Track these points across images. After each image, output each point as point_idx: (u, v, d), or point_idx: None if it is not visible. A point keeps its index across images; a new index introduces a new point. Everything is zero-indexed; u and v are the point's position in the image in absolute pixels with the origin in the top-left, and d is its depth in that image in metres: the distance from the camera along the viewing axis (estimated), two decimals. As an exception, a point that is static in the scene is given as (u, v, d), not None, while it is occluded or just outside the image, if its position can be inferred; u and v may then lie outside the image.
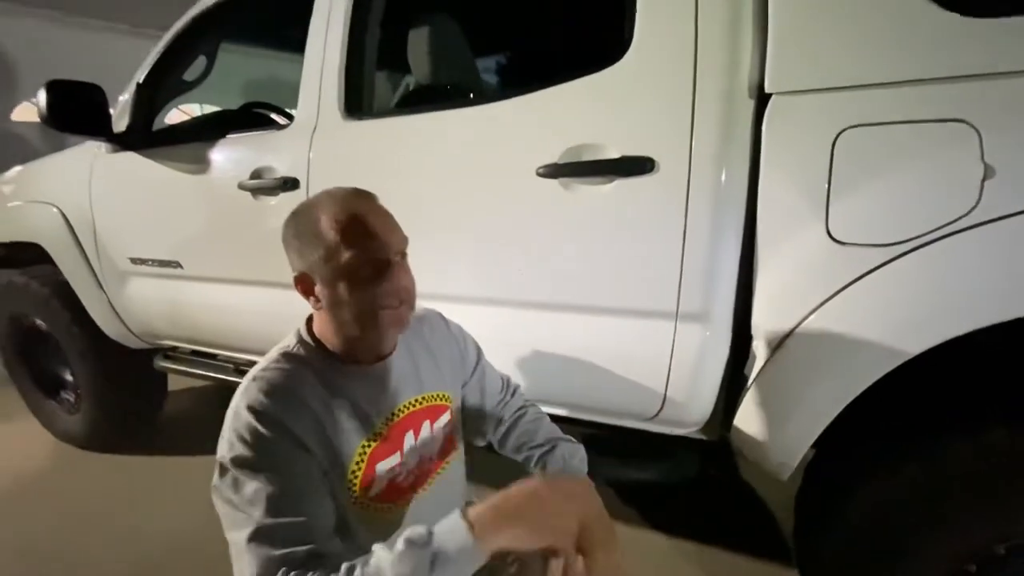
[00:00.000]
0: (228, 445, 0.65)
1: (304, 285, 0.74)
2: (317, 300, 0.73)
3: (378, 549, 0.55)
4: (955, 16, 0.73)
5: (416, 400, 0.83)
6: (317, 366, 0.74)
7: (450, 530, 0.54)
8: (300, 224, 0.73)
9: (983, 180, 0.72)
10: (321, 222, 0.70)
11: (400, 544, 0.53)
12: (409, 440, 0.81)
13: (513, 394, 1.00)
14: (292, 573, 0.57)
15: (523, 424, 0.96)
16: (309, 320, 0.79)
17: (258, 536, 0.60)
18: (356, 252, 0.69)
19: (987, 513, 0.78)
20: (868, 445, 0.91)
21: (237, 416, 0.67)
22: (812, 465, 1.02)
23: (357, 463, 0.74)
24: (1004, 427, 0.77)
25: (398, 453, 0.79)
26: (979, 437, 0.78)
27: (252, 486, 0.62)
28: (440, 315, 0.95)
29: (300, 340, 0.77)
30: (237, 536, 0.61)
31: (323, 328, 0.76)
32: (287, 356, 0.74)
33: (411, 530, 0.54)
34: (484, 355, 0.98)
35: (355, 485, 0.74)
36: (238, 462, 0.64)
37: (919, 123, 0.76)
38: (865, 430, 0.91)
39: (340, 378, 0.75)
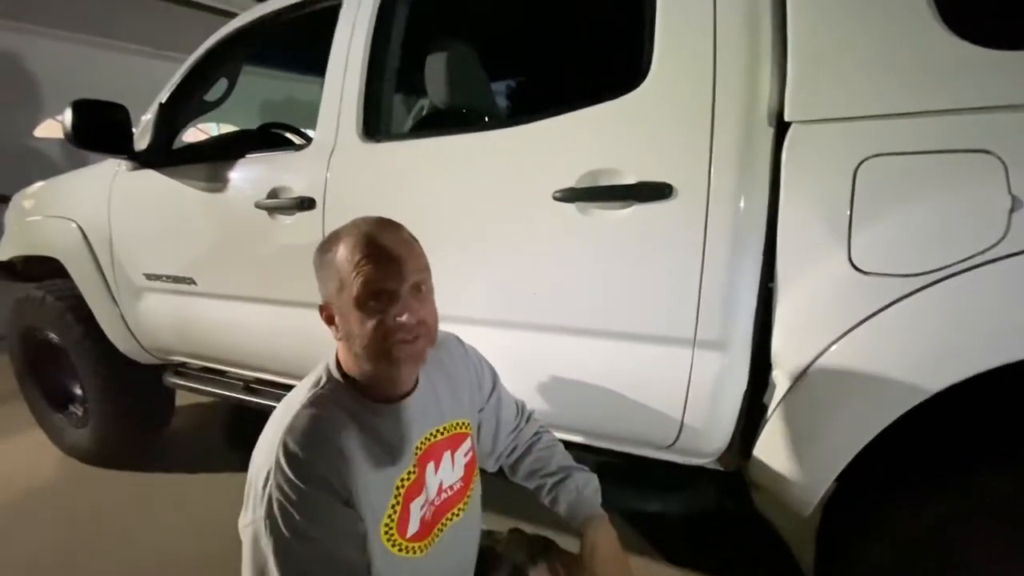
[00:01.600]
0: (267, 500, 0.64)
1: (326, 314, 0.74)
2: (337, 330, 0.73)
3: None
4: (978, 48, 0.73)
5: (438, 431, 0.81)
6: (348, 405, 0.73)
7: None
8: (323, 253, 0.73)
9: (1011, 211, 0.71)
10: (339, 251, 0.70)
11: None
12: (430, 472, 0.79)
13: (527, 420, 0.99)
14: None
15: (536, 451, 0.94)
16: (337, 353, 0.77)
17: None
18: (365, 281, 0.68)
19: (1017, 556, 0.75)
20: (894, 481, 0.88)
21: (278, 469, 0.65)
22: (834, 500, 0.98)
23: (393, 506, 0.73)
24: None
25: (424, 489, 0.78)
26: (1010, 476, 0.76)
27: (289, 542, 0.62)
28: (457, 339, 0.94)
29: (329, 376, 0.75)
30: None
31: (346, 360, 0.75)
32: (319, 399, 0.72)
33: None
34: (500, 380, 0.97)
35: (392, 528, 0.72)
36: (277, 517, 0.63)
37: (943, 153, 0.75)
38: (891, 465, 0.88)
39: (371, 416, 0.73)
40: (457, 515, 0.83)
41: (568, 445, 0.97)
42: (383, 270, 0.69)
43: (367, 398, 0.74)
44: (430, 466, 0.79)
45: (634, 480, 1.10)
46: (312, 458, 0.66)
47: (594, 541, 0.86)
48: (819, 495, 0.89)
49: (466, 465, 0.86)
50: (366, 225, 0.72)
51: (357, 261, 0.68)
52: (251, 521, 0.66)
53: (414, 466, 0.76)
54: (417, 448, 0.78)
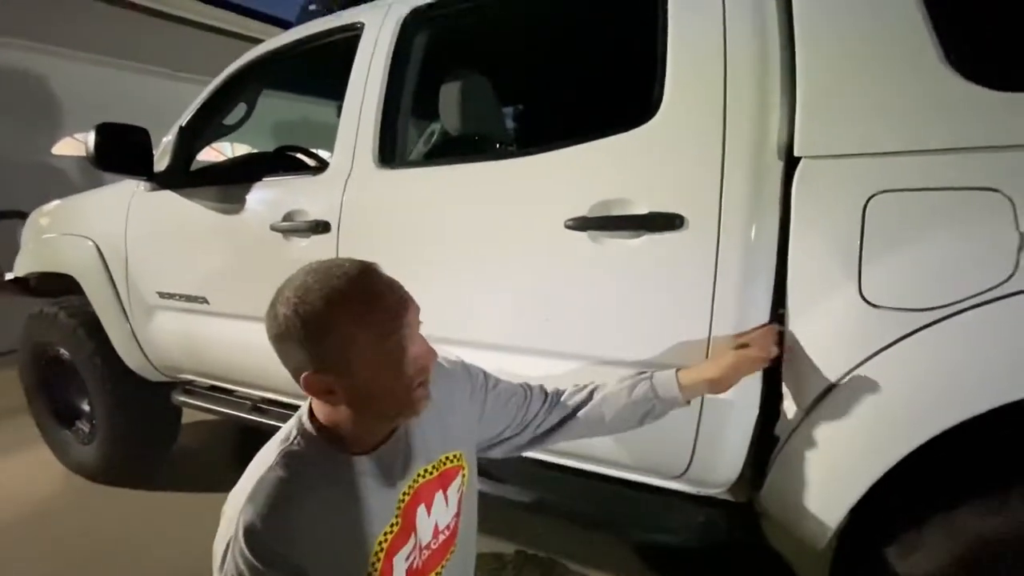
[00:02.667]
0: (224, 573, 0.62)
1: (320, 384, 0.65)
2: (334, 395, 0.66)
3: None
4: (984, 90, 0.75)
5: (427, 470, 0.78)
6: (322, 464, 0.68)
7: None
8: (306, 318, 0.62)
9: (1019, 249, 0.72)
10: (336, 311, 0.62)
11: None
12: (422, 517, 0.76)
13: (539, 392, 0.95)
14: None
15: (593, 402, 0.92)
16: (311, 408, 0.72)
17: None
18: (407, 332, 0.65)
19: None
20: (909, 515, 0.87)
21: (235, 542, 0.62)
22: (848, 533, 0.97)
23: (374, 564, 0.70)
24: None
25: (412, 535, 0.75)
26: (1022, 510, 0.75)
27: None
28: (436, 363, 0.87)
29: (302, 432, 0.70)
30: None
31: (336, 419, 0.69)
32: (289, 457, 0.67)
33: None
34: (490, 375, 0.93)
35: None
36: None
37: (952, 190, 0.77)
38: (907, 498, 0.87)
39: (348, 472, 0.69)
40: (450, 557, 0.81)
41: (579, 472, 0.96)
42: (404, 315, 0.65)
43: (344, 452, 0.70)
44: (420, 509, 0.76)
45: (645, 510, 1.09)
46: (272, 535, 0.62)
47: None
48: (832, 528, 0.88)
49: (458, 502, 0.83)
50: (361, 275, 0.66)
51: (387, 314, 0.64)
52: None
53: (397, 517, 0.73)
54: (403, 495, 0.74)
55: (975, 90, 0.76)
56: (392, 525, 0.72)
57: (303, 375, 0.65)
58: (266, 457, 0.69)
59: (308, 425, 0.70)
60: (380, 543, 0.70)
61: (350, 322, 0.63)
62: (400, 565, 0.72)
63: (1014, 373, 0.72)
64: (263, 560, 0.61)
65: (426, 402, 0.70)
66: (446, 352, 0.90)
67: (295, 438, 0.70)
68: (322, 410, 0.70)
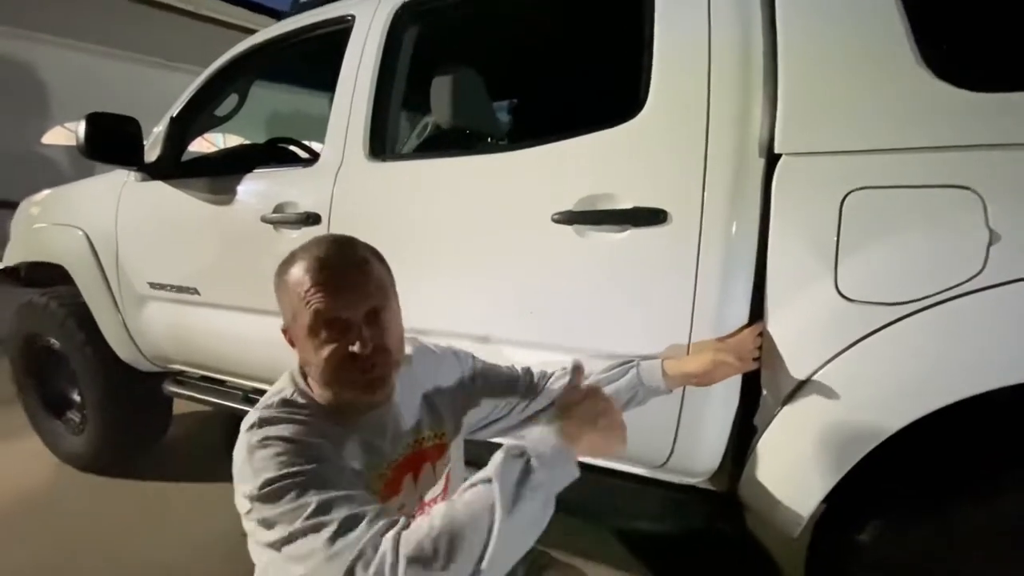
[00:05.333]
0: (253, 476, 0.60)
1: (288, 338, 0.73)
2: (300, 354, 0.72)
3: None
4: (957, 90, 0.77)
5: (415, 442, 0.81)
6: (315, 412, 0.71)
7: (540, 437, 0.61)
8: (280, 276, 0.70)
9: (989, 245, 0.74)
10: (292, 275, 0.68)
11: (498, 455, 0.58)
12: (408, 483, 0.79)
13: (526, 375, 0.97)
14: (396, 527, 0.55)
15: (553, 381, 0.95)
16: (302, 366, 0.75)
17: (343, 526, 0.55)
18: (315, 311, 0.65)
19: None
20: (879, 504, 0.90)
21: (252, 454, 0.62)
22: (822, 521, 1.00)
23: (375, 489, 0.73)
24: (1017, 491, 0.76)
25: (398, 496, 0.78)
26: (991, 500, 0.78)
27: (302, 500, 0.57)
28: (425, 347, 0.91)
29: (296, 387, 0.73)
30: (318, 550, 0.54)
31: (310, 380, 0.73)
32: (286, 402, 0.71)
33: (507, 444, 0.60)
34: (478, 359, 0.95)
35: None
36: (275, 490, 0.58)
37: (925, 188, 0.79)
38: (877, 488, 0.90)
39: (336, 427, 0.71)
40: None
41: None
42: (334, 299, 0.66)
43: (331, 411, 0.72)
44: (408, 478, 0.79)
45: (627, 498, 1.12)
46: (285, 432, 0.64)
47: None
48: (806, 516, 0.91)
49: (445, 478, 0.86)
50: (319, 248, 0.69)
51: (307, 288, 0.66)
52: (247, 505, 0.62)
53: (387, 471, 0.75)
54: (394, 459, 0.77)
55: (949, 90, 0.78)
56: (379, 476, 0.75)
57: (282, 327, 0.73)
58: (264, 402, 0.72)
59: (301, 382, 0.74)
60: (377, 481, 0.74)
61: (290, 284, 0.68)
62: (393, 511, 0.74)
63: (984, 365, 0.75)
64: (289, 448, 0.62)
65: (371, 392, 0.70)
66: (436, 342, 0.94)
67: (291, 391, 0.73)
68: (303, 367, 0.75)
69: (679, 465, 1.03)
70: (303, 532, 0.56)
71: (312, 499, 0.57)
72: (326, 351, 0.66)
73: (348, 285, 0.67)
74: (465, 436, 0.93)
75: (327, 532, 0.55)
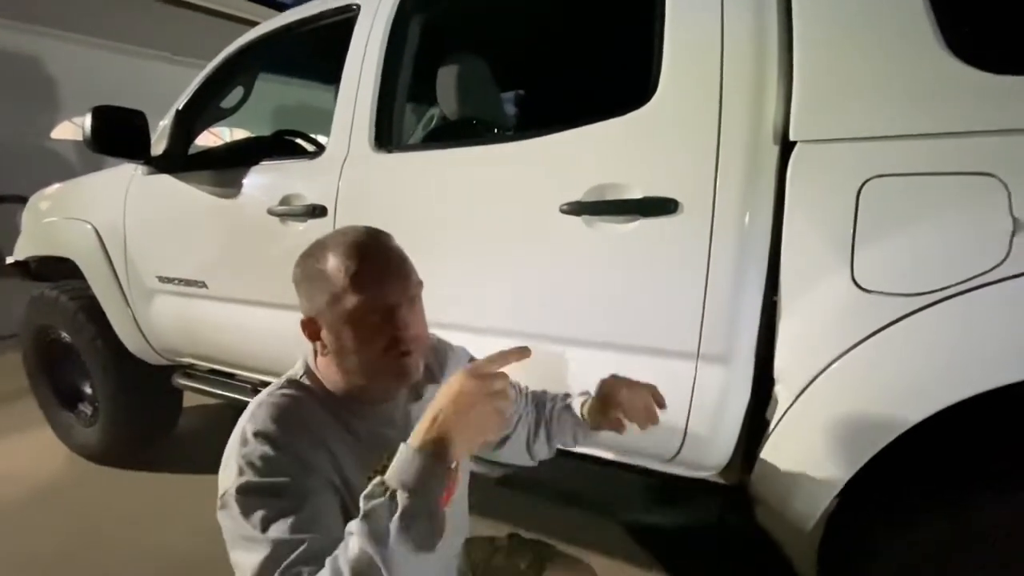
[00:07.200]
0: (236, 471, 0.61)
1: (311, 329, 0.71)
2: (324, 346, 0.70)
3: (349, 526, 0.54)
4: (982, 73, 0.75)
5: None
6: (324, 397, 0.72)
7: (400, 464, 0.54)
8: (309, 265, 0.70)
9: (1012, 234, 0.71)
10: (329, 264, 0.67)
11: (361, 502, 0.53)
12: None
13: (524, 392, 0.98)
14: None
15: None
16: (315, 360, 0.75)
17: (270, 561, 0.56)
18: (364, 298, 0.65)
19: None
20: (894, 498, 0.88)
21: (244, 442, 0.63)
22: (835, 516, 0.99)
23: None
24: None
25: None
26: (1009, 496, 0.76)
27: (263, 512, 0.59)
28: (441, 341, 0.92)
29: (308, 371, 0.74)
30: (246, 560, 0.57)
31: (328, 372, 0.73)
32: (295, 384, 0.72)
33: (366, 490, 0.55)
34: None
35: None
36: (247, 488, 0.60)
37: (946, 175, 0.76)
38: (892, 483, 0.88)
39: (346, 413, 0.72)
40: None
41: (571, 455, 0.97)
42: (382, 285, 0.66)
43: (343, 399, 0.72)
44: None
45: (637, 494, 1.11)
46: (282, 429, 0.64)
47: (606, 383, 0.89)
48: (820, 511, 0.89)
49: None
50: (359, 235, 0.69)
51: (354, 273, 0.65)
52: (221, 491, 0.63)
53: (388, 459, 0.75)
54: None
55: (973, 74, 0.75)
56: (384, 467, 0.73)
57: (301, 318, 0.71)
58: (275, 383, 0.72)
59: (314, 368, 0.74)
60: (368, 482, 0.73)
61: (329, 271, 0.67)
62: None
63: (1006, 357, 0.72)
64: (279, 451, 0.62)
65: (408, 377, 0.71)
66: (446, 337, 0.93)
67: (302, 375, 0.73)
68: (321, 364, 0.74)
69: (689, 459, 1.02)
70: (248, 540, 0.58)
71: (273, 522, 0.58)
72: (374, 336, 0.67)
73: (394, 271, 0.69)
74: (486, 456, 0.92)
75: (261, 552, 0.57)
